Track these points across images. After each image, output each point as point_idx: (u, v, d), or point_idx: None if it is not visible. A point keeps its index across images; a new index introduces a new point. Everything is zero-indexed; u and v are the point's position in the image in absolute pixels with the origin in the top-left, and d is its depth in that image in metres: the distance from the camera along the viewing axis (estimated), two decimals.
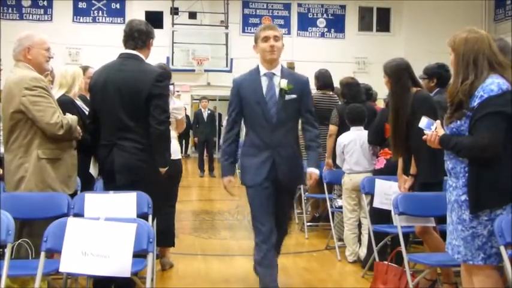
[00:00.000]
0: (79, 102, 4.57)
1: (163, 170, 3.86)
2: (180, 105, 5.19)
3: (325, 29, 19.21)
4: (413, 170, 4.20)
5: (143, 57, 3.93)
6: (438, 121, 3.07)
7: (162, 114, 3.77)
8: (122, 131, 3.77)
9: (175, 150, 4.97)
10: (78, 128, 3.90)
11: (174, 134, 5.05)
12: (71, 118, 3.85)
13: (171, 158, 4.84)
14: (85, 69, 5.08)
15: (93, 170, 4.04)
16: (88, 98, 4.77)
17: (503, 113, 2.79)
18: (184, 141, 18.14)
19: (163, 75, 3.93)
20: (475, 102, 2.83)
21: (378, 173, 5.11)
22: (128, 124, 3.76)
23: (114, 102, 3.78)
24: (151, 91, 3.75)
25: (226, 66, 17.51)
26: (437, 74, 4.76)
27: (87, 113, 4.35)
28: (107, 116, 3.84)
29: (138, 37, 3.91)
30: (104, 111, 3.86)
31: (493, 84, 2.82)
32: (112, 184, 3.78)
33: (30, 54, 3.82)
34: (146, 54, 3.98)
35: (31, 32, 3.93)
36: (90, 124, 4.00)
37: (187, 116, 17.92)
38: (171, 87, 5.22)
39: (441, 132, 3.01)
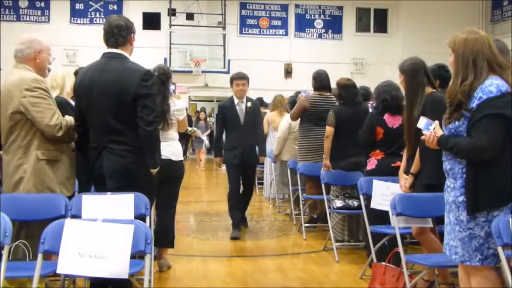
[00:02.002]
0: (73, 103, 4.55)
1: (154, 171, 3.82)
2: (181, 106, 5.11)
3: (323, 30, 19.24)
4: (414, 168, 4.17)
5: (127, 55, 3.82)
6: (437, 121, 3.06)
7: (150, 114, 3.66)
8: (110, 134, 3.67)
9: (178, 152, 4.96)
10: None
11: (176, 136, 5.04)
12: (69, 119, 3.84)
13: (174, 159, 4.85)
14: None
15: None
16: None
17: (502, 115, 2.79)
18: (184, 141, 18.13)
19: (149, 74, 3.81)
20: (474, 104, 2.83)
21: (369, 174, 5.12)
22: (116, 126, 3.67)
23: (100, 104, 3.68)
24: (138, 91, 3.64)
25: (224, 67, 17.52)
26: (438, 75, 4.78)
27: None
28: (94, 118, 3.74)
29: (118, 33, 3.79)
30: (90, 113, 3.76)
31: (492, 85, 2.82)
32: (103, 188, 3.70)
33: (39, 58, 3.83)
34: (129, 50, 3.86)
35: (36, 35, 3.92)
36: (77, 127, 3.86)
37: (188, 117, 17.97)
38: (172, 87, 5.19)
39: (439, 132, 3.01)
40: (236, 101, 6.62)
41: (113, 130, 3.67)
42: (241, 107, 6.61)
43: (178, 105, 5.02)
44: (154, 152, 3.80)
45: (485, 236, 2.86)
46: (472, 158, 2.87)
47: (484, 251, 2.88)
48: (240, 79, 6.64)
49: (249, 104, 6.65)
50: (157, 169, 3.84)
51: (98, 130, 3.74)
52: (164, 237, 4.88)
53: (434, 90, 4.21)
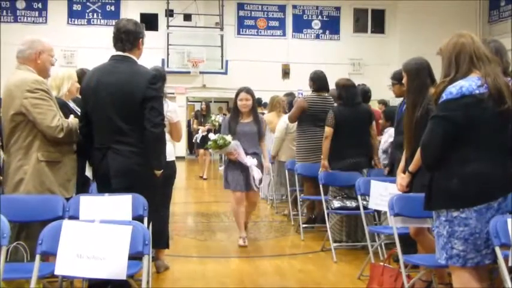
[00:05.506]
0: (72, 104, 4.54)
1: (158, 172, 3.84)
2: (174, 107, 5.07)
3: (320, 31, 19.24)
4: (412, 167, 4.17)
5: (135, 59, 3.87)
6: None
7: (157, 116, 3.72)
8: (116, 135, 3.71)
9: (170, 152, 4.96)
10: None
11: (167, 136, 5.03)
12: (71, 121, 3.84)
13: (167, 159, 4.85)
14: (83, 73, 5.05)
15: (89, 172, 4.03)
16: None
17: (447, 117, 2.83)
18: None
19: (157, 77, 3.87)
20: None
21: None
22: (122, 127, 3.71)
23: (106, 105, 3.72)
24: (146, 94, 3.70)
25: (222, 68, 17.53)
26: None
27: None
28: (100, 119, 3.78)
29: (126, 39, 3.83)
30: (97, 114, 3.80)
31: (455, 87, 2.84)
32: (107, 188, 3.72)
33: (40, 59, 3.84)
34: (137, 54, 3.91)
35: (39, 37, 3.93)
36: (82, 127, 3.91)
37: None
38: (165, 89, 5.18)
39: None
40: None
41: (118, 131, 3.72)
42: None
43: (171, 106, 4.98)
44: (159, 153, 3.85)
45: (448, 235, 2.89)
46: (421, 155, 3.00)
47: (448, 250, 2.90)
48: None
49: None
50: (161, 171, 3.86)
51: (103, 130, 3.77)
52: (159, 238, 4.85)
53: None
